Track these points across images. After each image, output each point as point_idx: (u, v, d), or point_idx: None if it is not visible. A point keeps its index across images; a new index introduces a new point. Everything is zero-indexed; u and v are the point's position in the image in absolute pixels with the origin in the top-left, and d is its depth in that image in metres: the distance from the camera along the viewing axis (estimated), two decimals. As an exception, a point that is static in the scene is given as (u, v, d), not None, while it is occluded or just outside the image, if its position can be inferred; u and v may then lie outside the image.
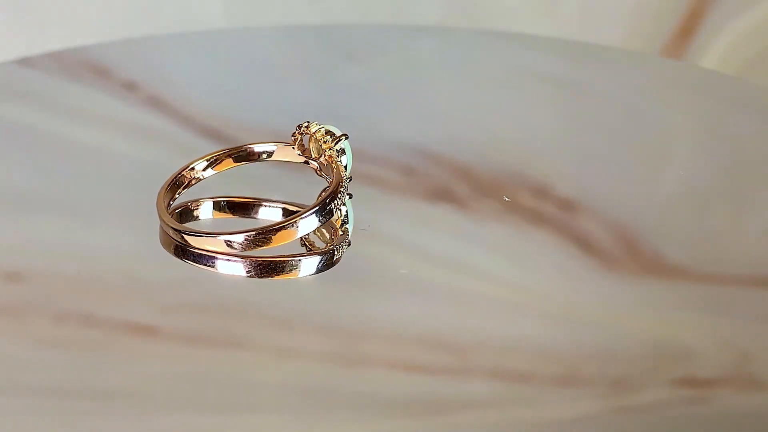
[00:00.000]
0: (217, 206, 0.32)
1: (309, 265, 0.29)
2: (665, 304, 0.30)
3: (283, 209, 0.32)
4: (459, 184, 0.34)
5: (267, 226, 0.29)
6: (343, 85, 0.42)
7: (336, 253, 0.29)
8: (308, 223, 0.29)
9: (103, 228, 0.32)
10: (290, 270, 0.29)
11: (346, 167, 0.30)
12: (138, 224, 0.33)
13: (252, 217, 0.32)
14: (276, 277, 0.29)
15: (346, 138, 0.29)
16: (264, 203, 0.32)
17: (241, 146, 0.32)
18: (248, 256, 0.29)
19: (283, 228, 0.28)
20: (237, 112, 0.39)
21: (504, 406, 0.27)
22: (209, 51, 0.46)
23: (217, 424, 0.26)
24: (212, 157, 0.32)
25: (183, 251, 0.29)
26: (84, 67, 0.42)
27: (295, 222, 0.28)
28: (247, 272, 0.29)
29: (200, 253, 0.29)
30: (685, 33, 0.56)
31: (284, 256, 0.29)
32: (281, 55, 0.45)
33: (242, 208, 0.32)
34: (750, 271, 0.31)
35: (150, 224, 0.32)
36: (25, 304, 0.29)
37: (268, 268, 0.29)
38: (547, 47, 0.46)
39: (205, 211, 0.32)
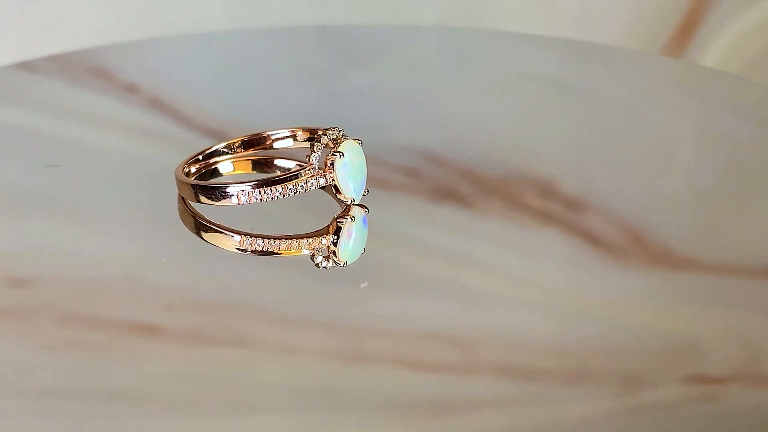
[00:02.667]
0: (237, 163, 0.33)
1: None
2: (674, 297, 0.30)
3: (298, 165, 0.33)
4: (463, 184, 0.34)
5: (269, 178, 0.29)
6: (345, 88, 0.42)
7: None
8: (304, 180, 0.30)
9: (106, 230, 0.32)
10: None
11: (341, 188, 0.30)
12: (140, 226, 0.33)
13: (269, 172, 0.33)
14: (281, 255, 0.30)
15: (341, 156, 0.29)
16: (280, 158, 0.33)
17: (261, 135, 0.33)
18: (259, 235, 0.29)
19: (285, 180, 0.29)
20: (238, 114, 0.39)
21: (511, 406, 0.27)
22: (210, 53, 0.46)
23: (222, 424, 0.26)
24: (232, 145, 0.33)
25: (199, 225, 0.30)
26: (86, 70, 0.42)
27: (292, 177, 0.29)
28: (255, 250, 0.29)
29: (215, 228, 0.30)
30: (685, 33, 0.56)
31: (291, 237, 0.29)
32: (282, 57, 0.45)
33: (260, 164, 0.34)
34: (756, 260, 0.31)
35: (152, 226, 0.32)
36: (30, 307, 0.29)
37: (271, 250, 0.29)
38: (549, 47, 0.46)
39: (225, 168, 0.33)
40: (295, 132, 0.33)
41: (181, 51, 0.46)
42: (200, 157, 0.33)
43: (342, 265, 0.29)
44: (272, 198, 0.29)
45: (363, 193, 0.30)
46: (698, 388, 0.27)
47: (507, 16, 0.56)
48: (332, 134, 0.29)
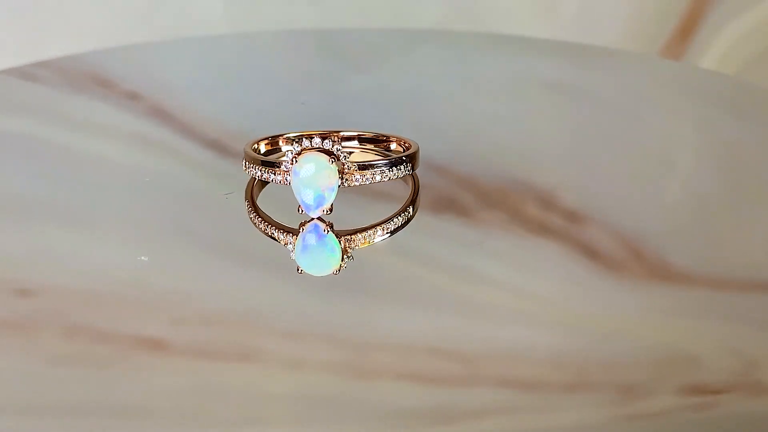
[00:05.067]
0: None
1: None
2: (672, 311, 0.30)
3: (358, 137, 0.34)
4: (464, 194, 0.34)
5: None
6: (346, 93, 0.42)
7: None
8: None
9: (111, 241, 0.32)
10: None
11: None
12: (145, 237, 0.33)
13: None
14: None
15: (295, 165, 0.30)
16: (340, 132, 0.34)
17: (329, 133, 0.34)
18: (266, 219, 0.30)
19: (267, 165, 0.30)
20: (240, 121, 0.39)
21: (512, 415, 0.27)
22: (211, 58, 0.46)
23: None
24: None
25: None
26: (87, 77, 0.42)
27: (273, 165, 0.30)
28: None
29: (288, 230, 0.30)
30: (685, 33, 0.56)
31: None
32: (284, 62, 0.45)
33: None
34: (754, 275, 0.31)
35: (157, 236, 0.32)
36: (35, 319, 0.29)
37: None
38: (549, 51, 0.46)
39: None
40: (362, 135, 0.34)
41: (182, 55, 0.46)
42: (269, 143, 0.34)
43: (299, 271, 0.29)
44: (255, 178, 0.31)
45: (322, 211, 0.29)
46: (695, 398, 0.27)
47: (507, 19, 0.56)
48: (318, 142, 0.29)
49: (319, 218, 0.29)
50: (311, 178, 0.29)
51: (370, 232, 0.30)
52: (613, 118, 0.40)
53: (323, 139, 0.29)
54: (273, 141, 0.34)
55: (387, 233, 0.30)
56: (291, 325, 0.29)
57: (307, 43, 0.47)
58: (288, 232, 0.30)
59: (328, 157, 0.29)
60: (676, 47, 0.56)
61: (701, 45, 0.56)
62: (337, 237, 0.29)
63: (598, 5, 0.57)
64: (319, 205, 0.29)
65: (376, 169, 0.30)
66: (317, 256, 0.29)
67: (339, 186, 0.29)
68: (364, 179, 0.30)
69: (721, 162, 0.37)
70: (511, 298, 0.30)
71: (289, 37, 0.48)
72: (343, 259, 0.29)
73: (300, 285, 0.30)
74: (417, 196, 0.32)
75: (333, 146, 0.29)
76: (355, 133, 0.35)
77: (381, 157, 0.34)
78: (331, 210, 0.29)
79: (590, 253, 0.32)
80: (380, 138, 0.35)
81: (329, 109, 0.41)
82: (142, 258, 0.31)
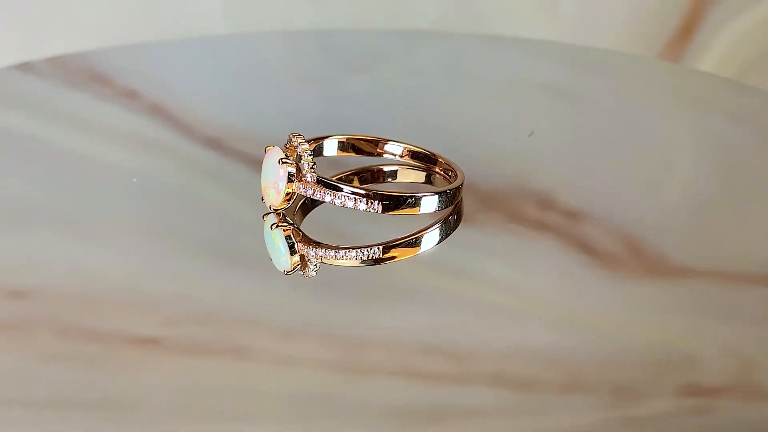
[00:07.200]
0: (342, 145, 0.33)
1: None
2: (669, 308, 0.30)
3: (405, 148, 0.33)
4: (463, 196, 0.34)
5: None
6: (345, 94, 0.42)
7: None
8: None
9: (105, 242, 0.32)
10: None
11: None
12: (139, 237, 0.33)
13: (374, 155, 0.34)
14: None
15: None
16: (388, 142, 0.33)
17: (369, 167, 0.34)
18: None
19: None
20: (238, 121, 0.39)
21: (506, 414, 0.27)
22: (210, 57, 0.46)
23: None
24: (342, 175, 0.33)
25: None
26: (85, 74, 0.42)
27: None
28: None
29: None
30: (685, 34, 0.56)
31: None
32: (283, 62, 0.45)
33: (365, 145, 0.34)
34: (751, 269, 0.31)
35: (151, 237, 0.32)
36: (28, 319, 0.29)
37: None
38: (547, 53, 0.46)
39: (329, 149, 0.33)
40: (410, 148, 0.33)
41: (181, 54, 0.46)
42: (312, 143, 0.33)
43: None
44: None
45: (272, 207, 0.30)
46: (692, 400, 0.27)
47: (506, 19, 0.56)
48: (298, 141, 0.30)
49: (281, 215, 0.30)
50: (265, 172, 0.30)
51: (338, 253, 0.29)
52: (613, 121, 0.40)
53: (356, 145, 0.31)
54: (315, 141, 0.33)
55: (358, 261, 0.29)
56: (284, 323, 0.29)
57: (305, 43, 0.47)
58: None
59: (282, 156, 0.29)
60: (675, 48, 0.56)
61: (701, 45, 0.56)
62: (302, 243, 0.29)
63: (598, 6, 0.57)
64: (269, 198, 0.30)
65: (333, 194, 0.29)
66: (271, 248, 0.30)
67: (295, 191, 0.29)
68: (313, 193, 0.29)
69: (720, 159, 0.37)
70: (507, 296, 0.30)
71: (288, 38, 0.48)
72: (305, 264, 0.29)
73: (293, 283, 0.30)
74: (439, 232, 0.31)
75: (303, 150, 0.29)
76: (402, 146, 0.34)
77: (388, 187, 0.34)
78: (284, 208, 0.30)
79: (588, 249, 0.32)
80: (428, 156, 0.33)
81: (329, 111, 0.41)
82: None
